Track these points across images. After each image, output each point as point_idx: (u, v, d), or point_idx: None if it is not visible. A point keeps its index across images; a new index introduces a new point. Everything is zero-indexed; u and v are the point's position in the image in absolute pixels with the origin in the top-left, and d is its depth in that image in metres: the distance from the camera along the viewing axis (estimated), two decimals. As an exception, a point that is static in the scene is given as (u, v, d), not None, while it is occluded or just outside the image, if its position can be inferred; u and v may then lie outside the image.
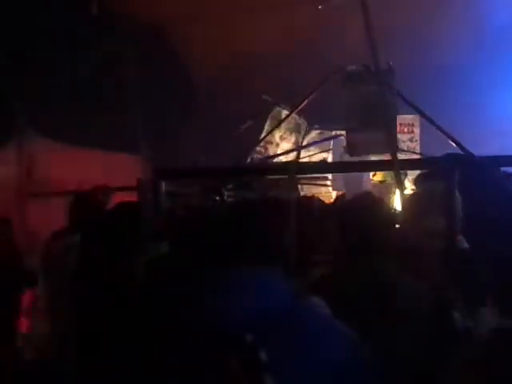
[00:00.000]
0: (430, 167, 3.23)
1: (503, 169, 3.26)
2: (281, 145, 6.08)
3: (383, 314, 1.88)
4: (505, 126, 6.59)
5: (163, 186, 2.82)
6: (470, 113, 6.47)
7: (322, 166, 4.03)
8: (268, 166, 3.90)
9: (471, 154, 2.82)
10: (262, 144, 5.86)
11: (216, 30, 6.36)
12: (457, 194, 2.48)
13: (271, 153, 5.92)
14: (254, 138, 5.73)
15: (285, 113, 5.85)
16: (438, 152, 3.98)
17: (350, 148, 3.97)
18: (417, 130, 6.45)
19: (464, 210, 2.51)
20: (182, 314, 1.55)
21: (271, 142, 6.01)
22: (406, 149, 6.07)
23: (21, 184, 5.04)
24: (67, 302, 2.35)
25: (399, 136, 6.02)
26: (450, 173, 2.69)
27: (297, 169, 2.94)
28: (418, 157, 5.68)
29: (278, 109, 5.88)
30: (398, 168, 2.29)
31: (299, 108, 5.30)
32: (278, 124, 5.64)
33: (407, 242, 2.15)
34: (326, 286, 1.97)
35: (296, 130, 6.14)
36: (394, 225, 2.08)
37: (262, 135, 5.75)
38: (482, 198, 2.51)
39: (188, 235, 2.45)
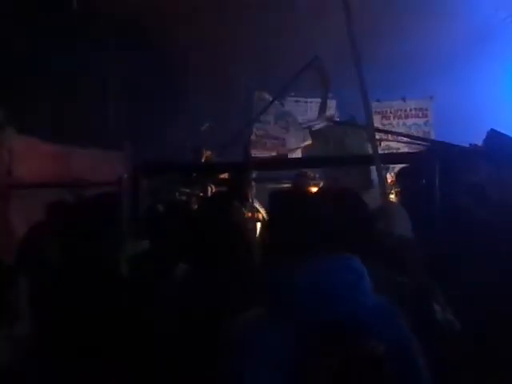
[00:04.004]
0: (412, 162, 3.26)
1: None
2: (277, 127, 6.32)
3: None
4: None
5: (145, 182, 2.81)
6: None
7: (300, 161, 4.07)
8: (228, 164, 3.97)
9: (446, 148, 2.84)
10: (258, 125, 6.16)
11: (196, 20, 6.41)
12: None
13: (272, 132, 6.26)
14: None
15: (269, 98, 6.13)
16: (452, 135, 4.11)
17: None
18: (431, 114, 6.56)
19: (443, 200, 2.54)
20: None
21: (268, 122, 6.26)
22: (420, 133, 6.23)
23: (1, 182, 4.96)
24: (47, 300, 2.31)
25: (414, 120, 6.23)
26: (430, 167, 2.71)
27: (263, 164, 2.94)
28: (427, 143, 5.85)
29: (260, 92, 6.24)
30: (379, 162, 2.29)
31: (282, 93, 5.81)
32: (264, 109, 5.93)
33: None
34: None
35: (285, 115, 6.40)
36: (372, 219, 2.08)
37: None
38: (461, 189, 2.54)
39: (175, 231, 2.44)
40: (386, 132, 5.27)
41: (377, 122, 6.43)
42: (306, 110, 6.63)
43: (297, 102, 6.66)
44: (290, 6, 6.38)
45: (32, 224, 3.42)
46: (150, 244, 2.41)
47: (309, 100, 6.62)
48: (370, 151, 2.61)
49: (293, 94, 6.58)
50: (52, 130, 5.34)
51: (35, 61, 5.24)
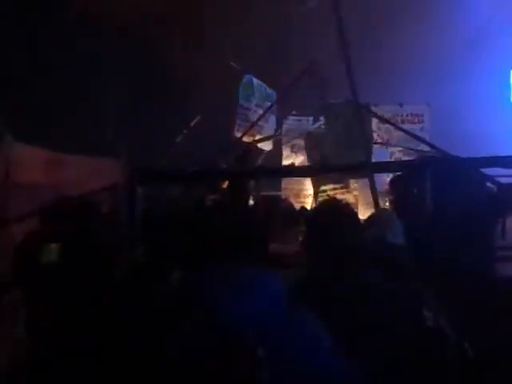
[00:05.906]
0: (404, 170, 3.29)
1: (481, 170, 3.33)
2: (257, 111, 6.68)
3: (362, 314, 1.90)
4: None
5: (140, 189, 2.82)
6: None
7: (292, 170, 4.15)
8: (237, 170, 4.09)
9: (444, 155, 2.88)
10: (241, 111, 6.47)
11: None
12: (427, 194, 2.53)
13: (252, 118, 6.58)
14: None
15: (256, 81, 6.57)
16: (447, 141, 4.17)
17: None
18: (427, 120, 6.64)
19: (434, 209, 2.57)
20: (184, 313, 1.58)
21: (249, 109, 6.60)
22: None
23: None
24: (45, 303, 2.33)
25: (410, 126, 6.41)
26: (422, 175, 2.75)
27: (265, 172, 3.01)
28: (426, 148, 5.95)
29: (248, 76, 6.47)
30: (371, 172, 2.33)
31: (281, 98, 6.29)
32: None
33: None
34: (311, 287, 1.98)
35: (267, 98, 6.80)
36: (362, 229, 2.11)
37: (240, 102, 6.38)
38: (454, 198, 2.57)
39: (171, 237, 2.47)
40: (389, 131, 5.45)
41: (373, 126, 6.55)
42: (308, 127, 6.91)
43: (299, 120, 6.95)
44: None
45: (30, 229, 3.43)
46: (145, 251, 2.43)
47: (310, 118, 6.93)
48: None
49: (295, 112, 6.85)
50: (50, 134, 5.36)
51: (34, 62, 5.27)
